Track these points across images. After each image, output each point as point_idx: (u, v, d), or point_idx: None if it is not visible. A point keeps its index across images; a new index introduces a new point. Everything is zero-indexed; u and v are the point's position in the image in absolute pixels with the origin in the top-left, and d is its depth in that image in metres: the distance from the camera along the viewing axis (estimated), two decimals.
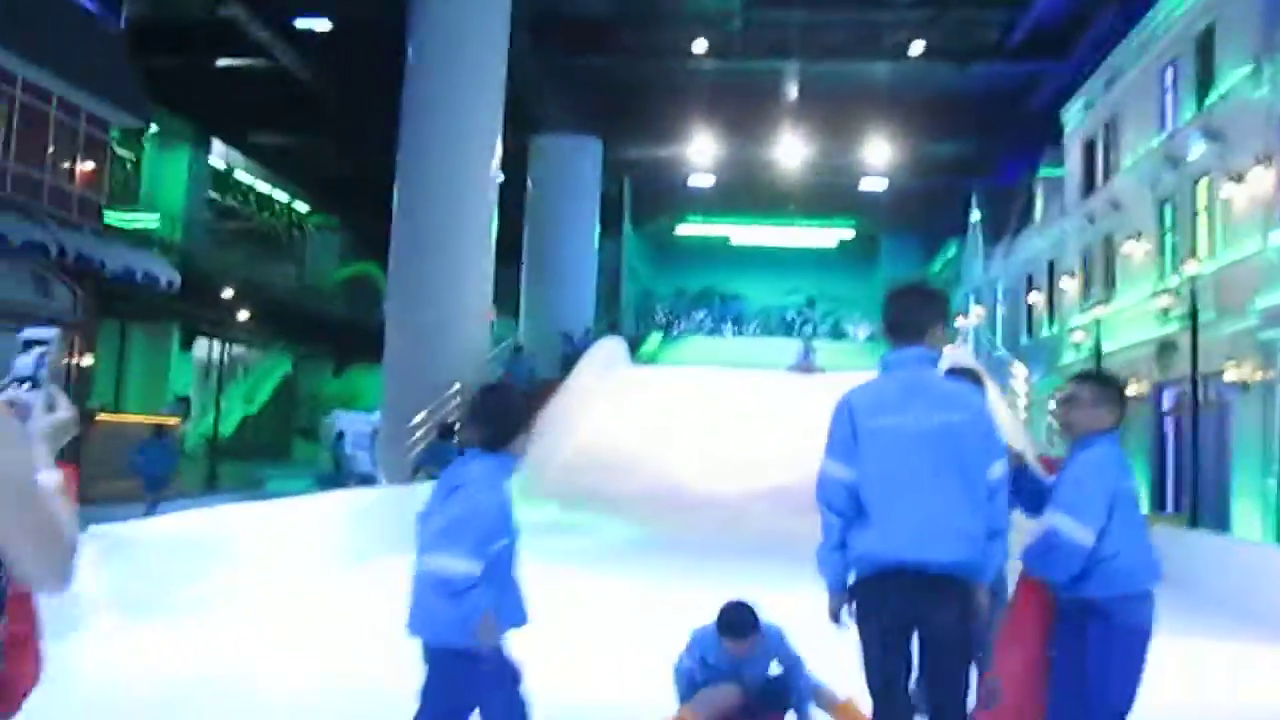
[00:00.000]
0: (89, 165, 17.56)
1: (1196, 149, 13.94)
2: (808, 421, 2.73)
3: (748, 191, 29.79)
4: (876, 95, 22.26)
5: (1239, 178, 12.66)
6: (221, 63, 22.26)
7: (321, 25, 19.87)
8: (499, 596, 2.75)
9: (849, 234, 35.80)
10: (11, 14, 15.15)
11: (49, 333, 1.51)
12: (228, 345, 24.77)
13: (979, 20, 19.62)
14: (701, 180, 28.53)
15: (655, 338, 29.11)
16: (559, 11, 20.20)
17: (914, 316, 2.99)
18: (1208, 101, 13.88)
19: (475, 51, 16.76)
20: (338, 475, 20.35)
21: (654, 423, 16.17)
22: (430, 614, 2.77)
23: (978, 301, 26.48)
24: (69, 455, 1.53)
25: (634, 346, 24.47)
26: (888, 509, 2.80)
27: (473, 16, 16.71)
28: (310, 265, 32.87)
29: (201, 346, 25.63)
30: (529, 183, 24.57)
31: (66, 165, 16.97)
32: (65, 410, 1.47)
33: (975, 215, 26.99)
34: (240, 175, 28.74)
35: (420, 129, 16.60)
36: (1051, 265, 20.97)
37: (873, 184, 27.66)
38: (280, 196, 30.79)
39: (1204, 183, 14.14)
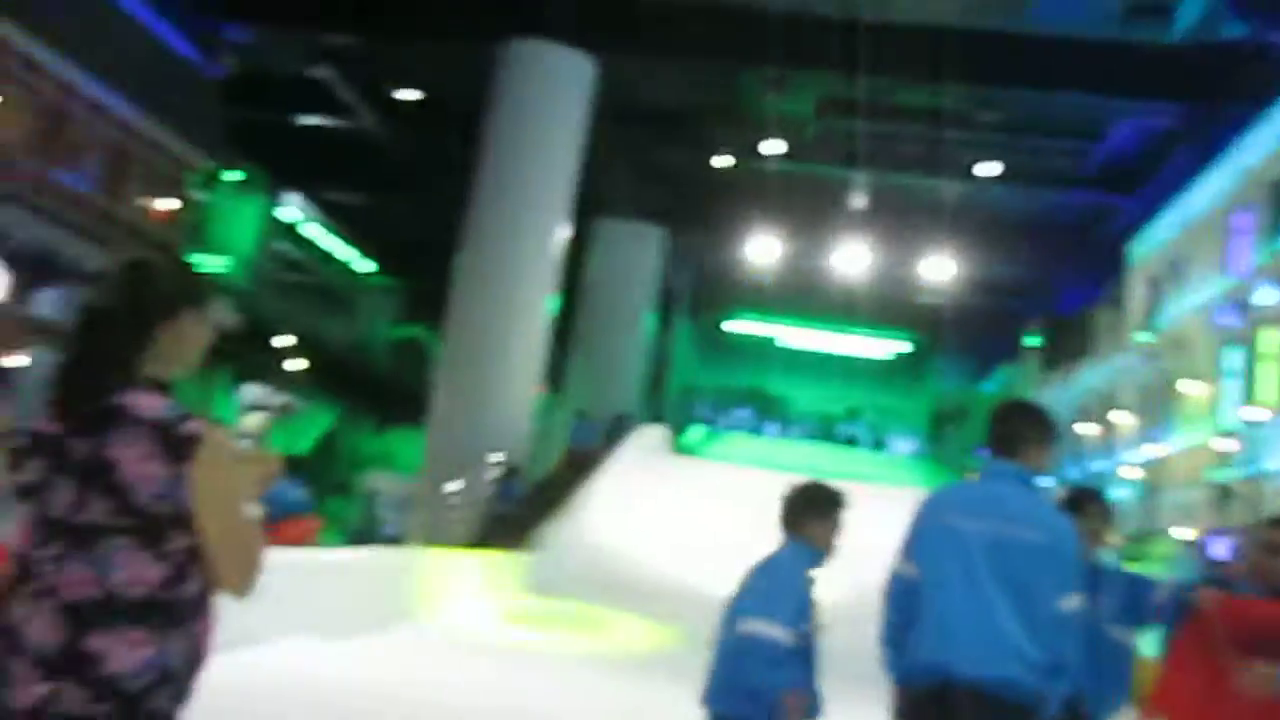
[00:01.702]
0: (169, 204, 18.04)
1: (1264, 295, 13.82)
2: (848, 534, 2.69)
3: (804, 294, 29.88)
4: (942, 211, 22.35)
5: None
6: (305, 119, 22.96)
7: (411, 95, 20.44)
8: (802, 680, 2.73)
9: (900, 346, 35.65)
10: (113, 52, 15.77)
11: (282, 400, 1.91)
12: (276, 392, 25.03)
13: (1052, 148, 19.76)
14: (759, 279, 28.67)
15: (698, 430, 28.97)
16: (638, 100, 20.61)
17: (1013, 431, 2.95)
18: (1277, 249, 13.80)
19: (552, 134, 17.17)
20: (367, 533, 20.32)
21: (693, 516, 15.95)
22: (732, 684, 2.77)
23: None
24: None
25: (675, 436, 24.37)
26: (942, 613, 2.70)
27: (553, 100, 17.14)
28: (365, 323, 33.30)
29: (250, 391, 25.93)
30: (589, 265, 24.83)
31: (148, 202, 17.45)
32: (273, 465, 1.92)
33: (1032, 341, 26.82)
34: (309, 229, 29.35)
35: (489, 202, 16.94)
36: (1106, 399, 20.73)
37: (930, 299, 27.60)
38: (345, 253, 31.36)
39: (1270, 330, 13.98)
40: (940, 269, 24.57)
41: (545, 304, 17.28)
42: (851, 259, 25.34)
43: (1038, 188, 20.45)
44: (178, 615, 1.63)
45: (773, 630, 2.70)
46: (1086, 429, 21.93)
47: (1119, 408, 19.35)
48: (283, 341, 21.83)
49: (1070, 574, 2.74)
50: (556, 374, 23.14)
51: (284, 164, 25.62)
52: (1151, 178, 19.28)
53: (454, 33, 17.52)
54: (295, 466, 13.67)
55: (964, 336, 31.81)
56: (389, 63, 19.86)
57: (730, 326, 36.34)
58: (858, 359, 36.53)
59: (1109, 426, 20.04)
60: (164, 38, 16.93)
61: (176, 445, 1.63)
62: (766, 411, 36.88)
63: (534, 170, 17.03)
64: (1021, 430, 2.94)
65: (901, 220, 23.37)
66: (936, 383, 33.63)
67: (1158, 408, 17.75)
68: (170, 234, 18.17)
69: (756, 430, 34.07)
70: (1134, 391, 19.02)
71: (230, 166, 22.39)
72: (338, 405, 30.84)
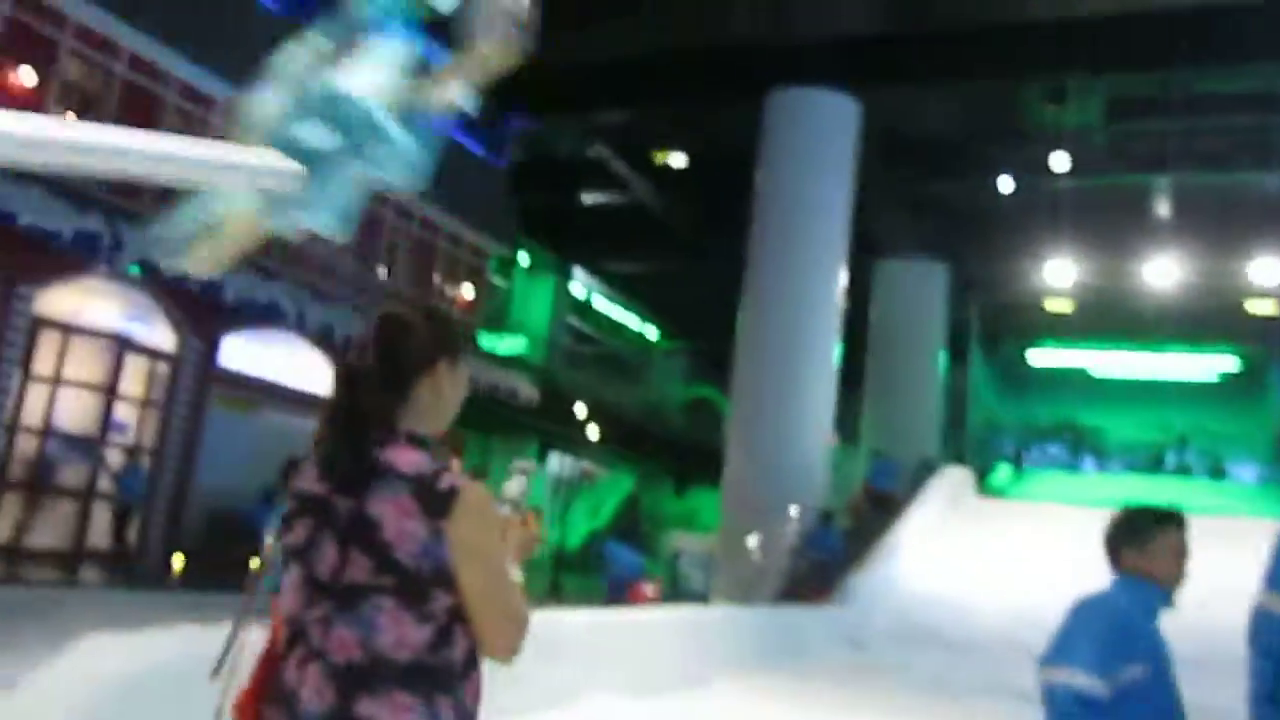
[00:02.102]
0: (468, 292, 19.37)
1: None
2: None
3: (1110, 316, 27.80)
4: (1265, 206, 20.17)
5: None
6: (586, 198, 24.07)
7: (678, 160, 21.00)
8: None
9: (1230, 364, 32.28)
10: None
11: (530, 465, 1.99)
12: (579, 460, 26.10)
13: None
14: (1058, 305, 26.97)
15: (1004, 469, 27.43)
16: (907, 134, 20.08)
17: None
18: None
19: (821, 180, 17.03)
20: (673, 593, 20.61)
21: (1010, 562, 14.99)
22: None
23: None
24: None
25: (980, 477, 23.15)
26: None
27: (819, 145, 17.02)
28: (656, 387, 34.23)
29: (554, 461, 27.17)
30: (872, 307, 24.29)
31: (450, 291, 18.83)
32: (535, 530, 1.87)
33: None
34: (597, 301, 30.65)
35: (766, 255, 16.99)
36: None
37: (1262, 307, 24.89)
38: (631, 321, 32.48)
39: None
40: (1269, 271, 22.12)
41: (831, 352, 17.01)
42: (1161, 272, 23.33)
43: None
44: (445, 680, 1.60)
45: (1073, 678, 2.29)
46: None
47: None
48: (580, 411, 22.75)
49: None
50: (849, 422, 22.67)
51: (571, 242, 27.01)
52: None
53: (715, 93, 17.83)
54: (627, 534, 14.16)
55: None
56: (657, 132, 20.49)
57: (1032, 358, 34.31)
58: (1180, 383, 33.37)
59: None
60: (455, 138, 18.33)
61: (435, 500, 1.61)
62: (1080, 445, 34.37)
63: (807, 219, 16.95)
64: None
65: (1217, 223, 21.26)
66: (1275, 397, 30.09)
67: None
68: (472, 319, 19.50)
69: (1072, 467, 31.80)
70: None
71: (522, 250, 23.80)
72: (636, 469, 31.77)
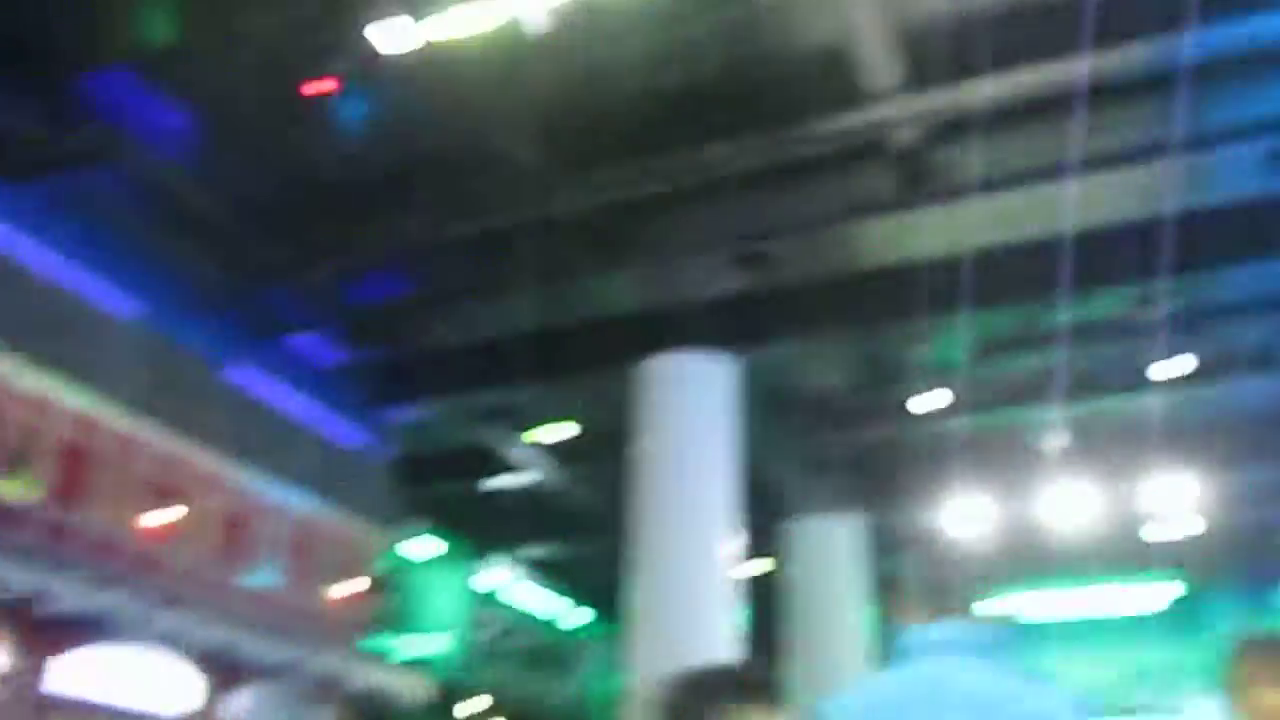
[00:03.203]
0: (353, 589, 18.42)
1: None
2: None
3: (1031, 556, 27.23)
4: (1151, 431, 20.33)
5: None
6: (490, 482, 23.62)
7: (566, 435, 20.86)
8: None
9: (1166, 595, 31.69)
10: (288, 453, 16.87)
11: None
12: None
13: (1243, 330, 17.95)
14: (976, 549, 26.45)
15: None
16: (795, 388, 20.25)
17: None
18: None
19: (703, 442, 16.78)
20: None
21: None
22: None
23: None
24: None
25: None
26: None
27: (699, 408, 16.92)
28: (586, 674, 32.48)
29: None
30: (789, 568, 23.61)
31: (331, 589, 17.87)
32: None
33: None
34: (518, 590, 29.53)
35: (650, 526, 16.47)
36: None
37: (1178, 532, 24.65)
38: (554, 608, 31.24)
39: None
40: (1175, 495, 22.06)
41: (728, 619, 16.19)
42: (1071, 506, 23.17)
43: (1244, 378, 18.41)
44: None
45: None
46: None
47: None
48: (480, 706, 21.32)
49: None
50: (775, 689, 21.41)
51: (483, 530, 26.28)
52: None
53: (590, 365, 17.94)
54: None
55: (1238, 562, 28.00)
56: (544, 409, 20.44)
57: (973, 607, 33.33)
58: (1121, 619, 32.61)
59: None
60: (332, 430, 18.03)
61: None
62: None
63: (691, 485, 16.59)
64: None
65: (1112, 449, 21.37)
66: (1221, 624, 29.28)
67: None
68: (357, 617, 18.43)
69: None
70: None
71: (429, 542, 23.04)
72: None
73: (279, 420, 16.90)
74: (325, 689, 16.55)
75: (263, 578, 16.01)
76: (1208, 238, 15.12)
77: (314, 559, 17.42)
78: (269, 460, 16.35)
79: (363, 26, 12.18)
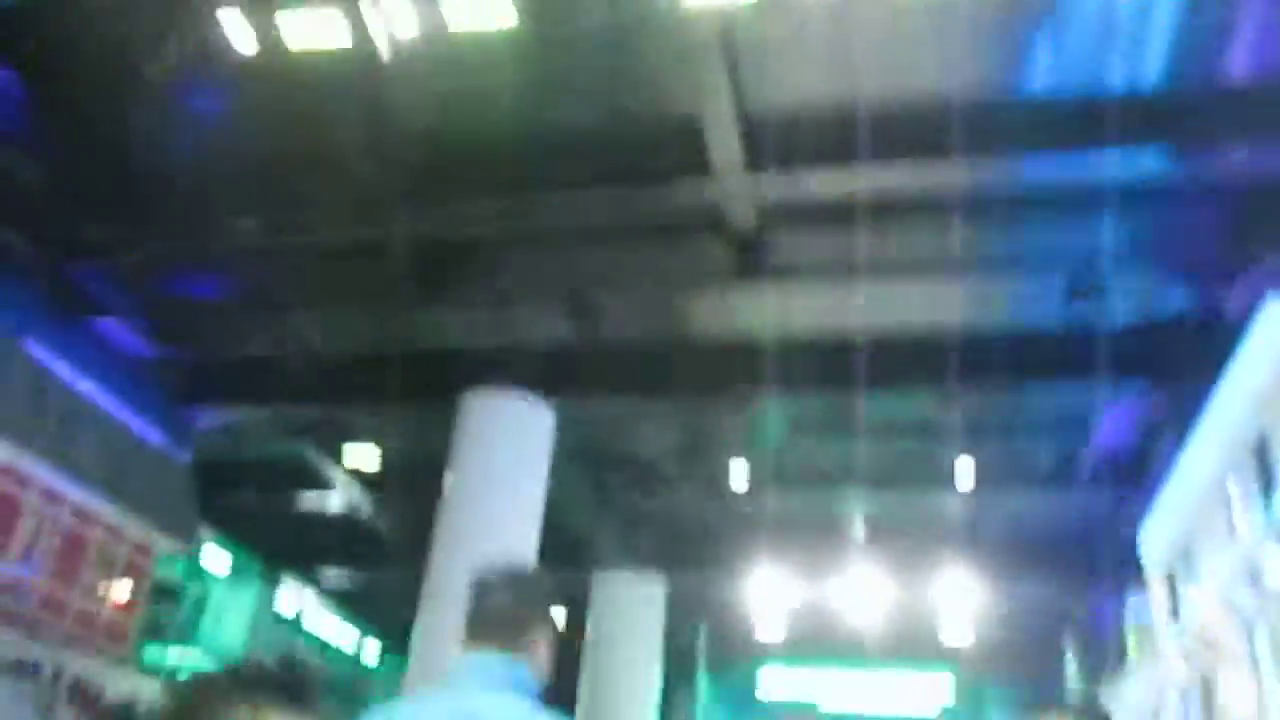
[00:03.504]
0: (124, 592, 17.53)
1: (1274, 559, 12.46)
2: None
3: (827, 639, 28.08)
4: (944, 532, 21.33)
5: None
6: (296, 500, 22.91)
7: (374, 462, 20.46)
8: None
9: (948, 691, 32.94)
10: (76, 442, 16.01)
11: None
12: None
13: (1037, 449, 19.05)
14: (775, 627, 27.07)
15: None
16: (613, 447, 20.41)
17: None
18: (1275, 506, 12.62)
19: (511, 484, 16.72)
20: None
21: None
22: None
23: None
24: None
25: None
26: None
27: (512, 449, 16.87)
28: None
29: None
30: (590, 622, 23.61)
31: (102, 591, 16.96)
32: None
33: (1070, 663, 24.62)
34: (310, 615, 28.58)
35: (450, 564, 16.24)
36: (1153, 713, 18.47)
37: (962, 634, 25.75)
38: (349, 638, 30.35)
39: None
40: (960, 596, 23.06)
41: None
42: (865, 594, 23.94)
43: (1034, 494, 19.50)
44: None
45: None
46: None
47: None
48: None
49: None
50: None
51: (282, 549, 25.39)
52: (1148, 469, 18.36)
53: (412, 392, 17.69)
54: None
55: (1013, 672, 29.34)
56: (358, 431, 20.03)
57: (764, 686, 33.90)
58: (906, 718, 33.72)
59: None
60: (128, 424, 17.22)
61: None
62: None
63: (494, 526, 16.47)
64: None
65: (910, 544, 22.27)
66: None
67: (1200, 715, 15.65)
68: (127, 622, 17.52)
69: None
70: (1177, 703, 16.91)
71: (210, 553, 22.11)
72: None
73: (70, 403, 16.04)
74: (80, 693, 15.65)
75: (20, 568, 15.08)
76: (1008, 356, 16.06)
77: (85, 555, 16.51)
78: (50, 443, 15.46)
79: (214, 16, 11.95)
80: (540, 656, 2.01)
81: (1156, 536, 18.23)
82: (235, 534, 23.25)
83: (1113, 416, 17.95)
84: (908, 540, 21.88)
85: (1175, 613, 17.49)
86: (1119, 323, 15.01)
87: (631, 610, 23.76)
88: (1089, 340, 15.58)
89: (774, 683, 33.39)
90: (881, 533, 21.99)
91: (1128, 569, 19.96)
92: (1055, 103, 13.16)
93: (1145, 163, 13.72)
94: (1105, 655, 22.46)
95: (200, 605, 24.45)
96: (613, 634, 23.40)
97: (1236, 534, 14.20)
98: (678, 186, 14.20)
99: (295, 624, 27.56)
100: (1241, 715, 13.88)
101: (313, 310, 16.94)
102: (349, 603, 28.58)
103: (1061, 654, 25.44)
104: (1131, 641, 20.69)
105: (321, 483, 21.28)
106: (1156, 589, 18.48)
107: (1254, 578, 13.30)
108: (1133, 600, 20.50)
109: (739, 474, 19.54)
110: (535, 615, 2.05)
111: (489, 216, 14.78)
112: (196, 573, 23.50)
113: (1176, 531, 17.11)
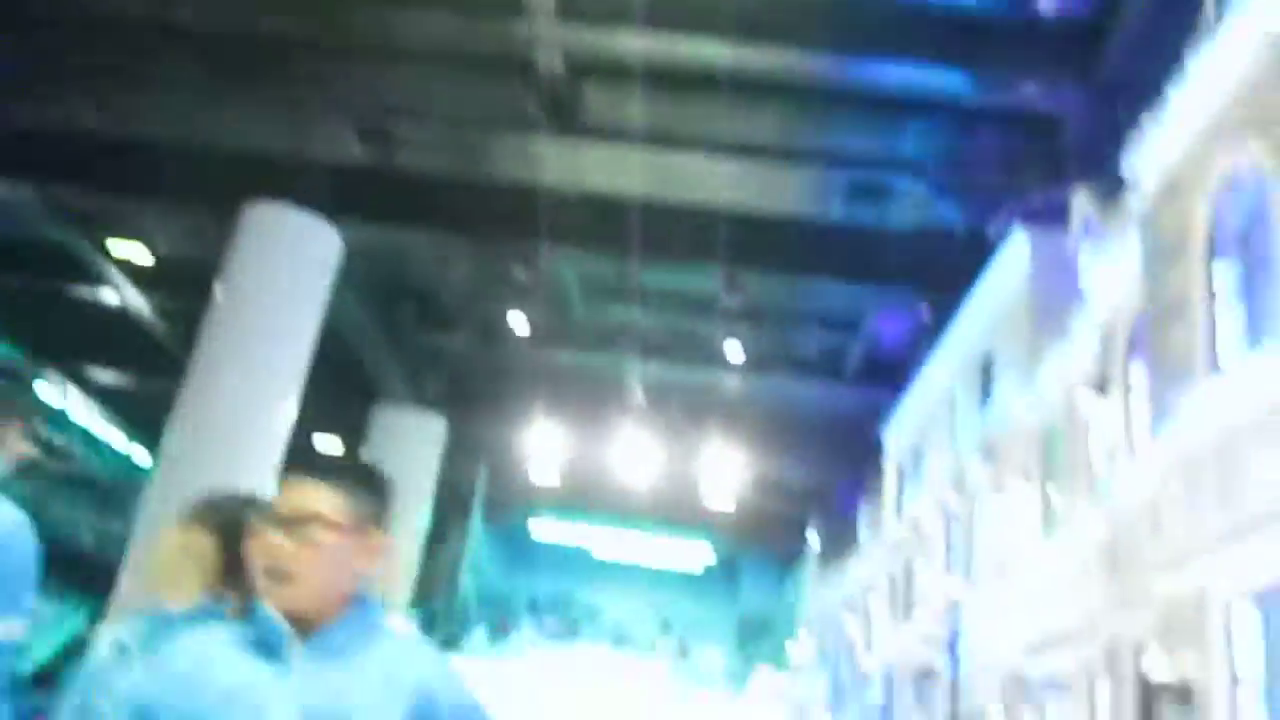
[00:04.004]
0: None
1: (976, 469, 13.68)
2: None
3: (600, 495, 29.12)
4: (715, 406, 22.25)
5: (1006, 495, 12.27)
6: (65, 289, 21.74)
7: (145, 258, 19.57)
8: None
9: (708, 556, 34.99)
10: None
11: None
12: None
13: (809, 340, 19.97)
14: (551, 478, 27.83)
15: (480, 636, 27.20)
16: (399, 283, 20.20)
17: None
18: (986, 421, 13.79)
19: (284, 303, 16.31)
20: None
21: None
22: None
23: (810, 632, 25.42)
24: None
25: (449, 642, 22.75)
26: None
27: (288, 268, 16.40)
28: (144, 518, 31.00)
29: None
30: (363, 452, 23.65)
31: None
32: None
33: (813, 541, 26.54)
34: (75, 413, 27.54)
35: (210, 376, 15.86)
36: (866, 593, 20.26)
37: (724, 503, 27.17)
38: (116, 440, 29.47)
39: (984, 504, 13.77)
40: (728, 468, 24.23)
41: (264, 483, 15.94)
42: (637, 456, 24.84)
43: (803, 381, 20.54)
44: None
45: None
46: (854, 627, 21.30)
47: (875, 602, 18.88)
48: None
49: None
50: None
51: (47, 340, 24.16)
52: (908, 370, 19.57)
53: (196, 191, 16.92)
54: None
55: (767, 542, 31.32)
56: (136, 225, 19.08)
57: (536, 531, 35.10)
58: (671, 572, 35.70)
59: (867, 619, 19.46)
60: None
61: None
62: (578, 622, 35.26)
63: (264, 340, 16.10)
64: None
65: (683, 414, 23.15)
66: (745, 592, 32.82)
67: (903, 597, 17.29)
68: None
69: (568, 637, 32.39)
70: (885, 584, 18.59)
71: None
72: (93, 606, 28.13)
73: None
74: None
75: None
76: (792, 244, 16.65)
77: None
78: None
79: None
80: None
81: (896, 434, 19.59)
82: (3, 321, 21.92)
83: (883, 318, 18.98)
84: (680, 410, 22.72)
85: (899, 505, 19.00)
86: (896, 228, 15.76)
87: (409, 447, 23.88)
88: (867, 241, 16.36)
89: (545, 529, 34.63)
90: (656, 400, 22.74)
91: (872, 461, 21.46)
92: (876, 6, 13.46)
93: (947, 80, 14.30)
94: (844, 535, 24.25)
95: None
96: (390, 466, 23.45)
97: (954, 441, 15.44)
98: (490, 21, 13.85)
99: (57, 420, 26.51)
100: (933, 603, 15.35)
101: (94, 88, 15.82)
102: (117, 404, 27.63)
103: (805, 528, 27.26)
104: (863, 525, 22.39)
105: (90, 276, 20.24)
106: (889, 481, 19.96)
107: (959, 483, 14.54)
108: (870, 488, 22.10)
109: (521, 323, 19.71)
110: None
111: (292, 13, 14.06)
112: None
113: (912, 432, 18.43)
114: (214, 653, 1.75)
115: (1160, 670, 7.73)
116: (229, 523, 2.27)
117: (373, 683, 1.73)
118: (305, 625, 1.77)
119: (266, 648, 1.75)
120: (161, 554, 2.34)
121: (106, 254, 19.56)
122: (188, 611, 2.18)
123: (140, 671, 1.81)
